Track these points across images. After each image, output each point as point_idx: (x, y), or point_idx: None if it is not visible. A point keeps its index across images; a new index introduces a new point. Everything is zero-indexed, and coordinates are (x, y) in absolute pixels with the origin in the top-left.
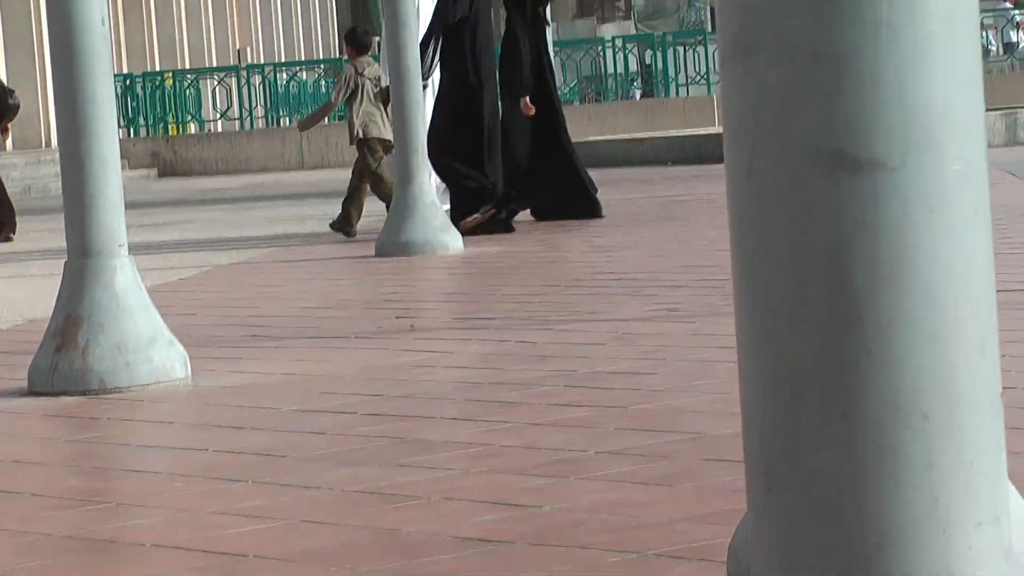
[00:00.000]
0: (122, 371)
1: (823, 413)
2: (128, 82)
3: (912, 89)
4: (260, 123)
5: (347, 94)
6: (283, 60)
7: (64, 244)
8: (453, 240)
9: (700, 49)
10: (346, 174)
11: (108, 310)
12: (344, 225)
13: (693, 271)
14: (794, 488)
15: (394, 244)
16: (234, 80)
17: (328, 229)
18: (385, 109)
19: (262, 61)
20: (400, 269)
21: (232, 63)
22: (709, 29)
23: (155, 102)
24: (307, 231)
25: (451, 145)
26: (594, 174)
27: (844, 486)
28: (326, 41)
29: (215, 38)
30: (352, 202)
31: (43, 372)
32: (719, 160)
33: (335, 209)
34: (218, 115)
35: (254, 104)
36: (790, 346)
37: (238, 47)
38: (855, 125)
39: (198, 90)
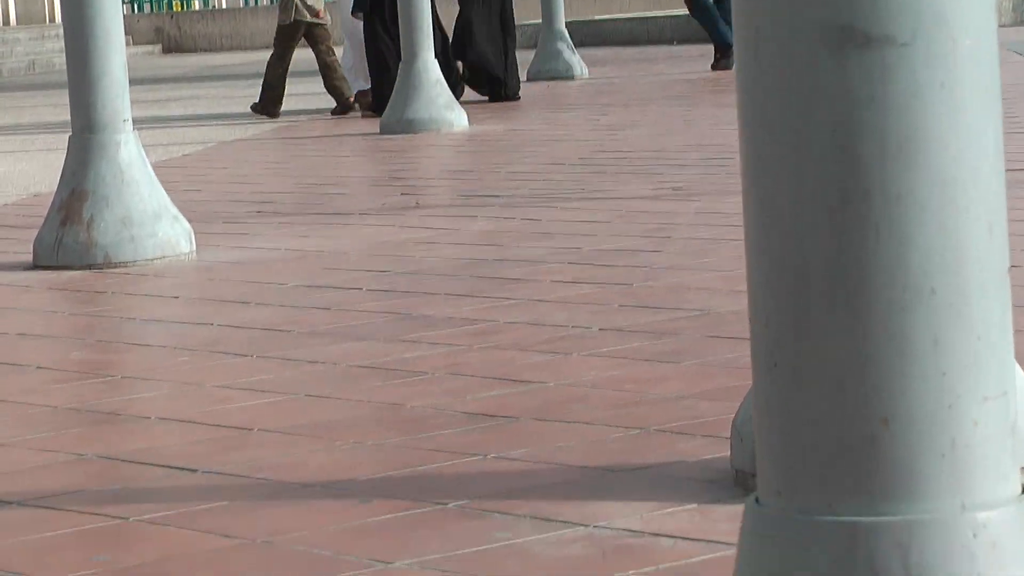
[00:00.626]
0: (127, 245)
1: (830, 290)
2: None
3: None
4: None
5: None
6: None
7: (68, 119)
8: (458, 117)
9: None
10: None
11: (113, 185)
12: (273, 109)
13: (698, 150)
14: (799, 365)
15: (399, 121)
16: None
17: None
18: None
19: None
20: (405, 146)
21: None
22: None
23: None
24: (311, 108)
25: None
26: (600, 52)
27: (850, 363)
28: None
29: None
30: (334, 79)
31: (48, 246)
32: None
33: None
34: None
35: None
36: (797, 224)
37: None
38: (864, 0)
39: None
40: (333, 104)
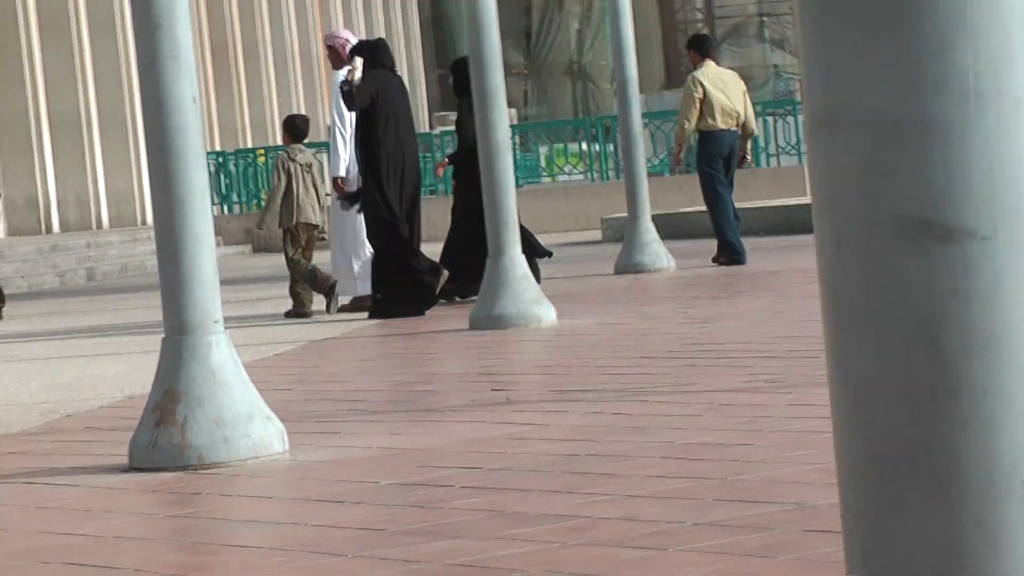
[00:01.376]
0: (220, 446)
1: (919, 485)
2: (221, 159)
3: (1002, 157)
4: None
5: (284, 177)
6: None
7: (161, 321)
8: (546, 312)
9: (790, 119)
10: (436, 247)
11: (205, 385)
12: (299, 310)
13: (788, 341)
14: (892, 562)
15: (487, 317)
16: (325, 156)
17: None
18: (318, 193)
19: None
20: (494, 342)
21: (323, 139)
22: (799, 99)
23: (248, 179)
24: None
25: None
26: (686, 245)
27: (942, 560)
28: (416, 117)
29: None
30: (297, 284)
31: (143, 448)
32: (811, 230)
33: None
34: None
35: None
36: (884, 417)
37: (328, 123)
38: (944, 194)
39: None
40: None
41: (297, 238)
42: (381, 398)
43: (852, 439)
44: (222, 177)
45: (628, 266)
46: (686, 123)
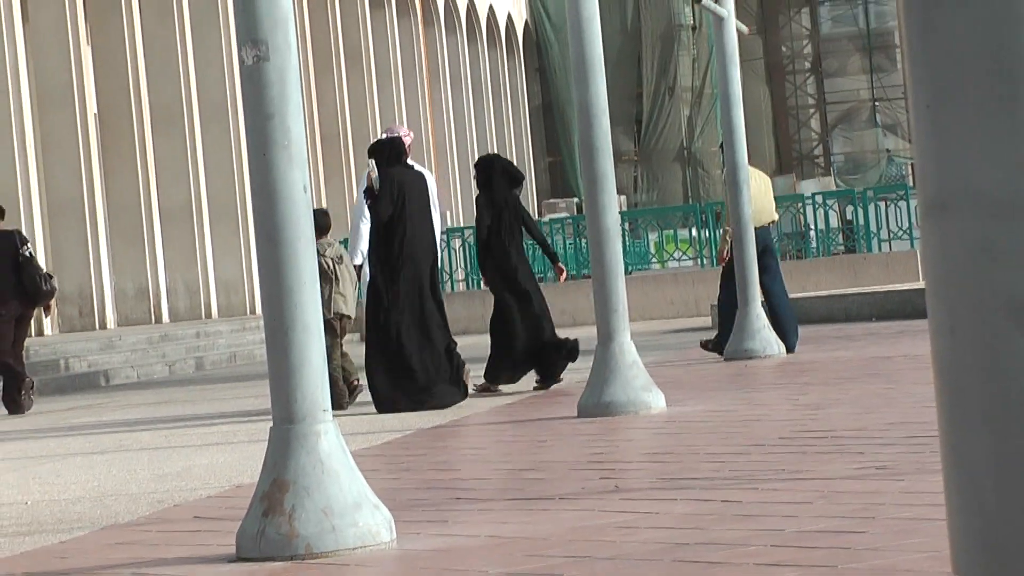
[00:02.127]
0: (328, 536)
1: None
2: None
3: None
4: (461, 286)
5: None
6: None
7: (269, 409)
8: (655, 399)
9: (902, 204)
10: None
11: (314, 475)
12: (340, 401)
13: (900, 428)
14: None
15: (596, 404)
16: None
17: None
18: (350, 283)
19: (462, 224)
20: (603, 429)
21: None
22: (910, 184)
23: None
24: (510, 390)
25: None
26: (799, 330)
27: None
28: (525, 204)
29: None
30: (337, 376)
31: (251, 537)
32: (924, 315)
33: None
34: None
35: (454, 267)
36: (998, 505)
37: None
38: None
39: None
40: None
41: (332, 329)
42: (489, 486)
43: (966, 527)
44: None
45: (738, 352)
46: (728, 228)
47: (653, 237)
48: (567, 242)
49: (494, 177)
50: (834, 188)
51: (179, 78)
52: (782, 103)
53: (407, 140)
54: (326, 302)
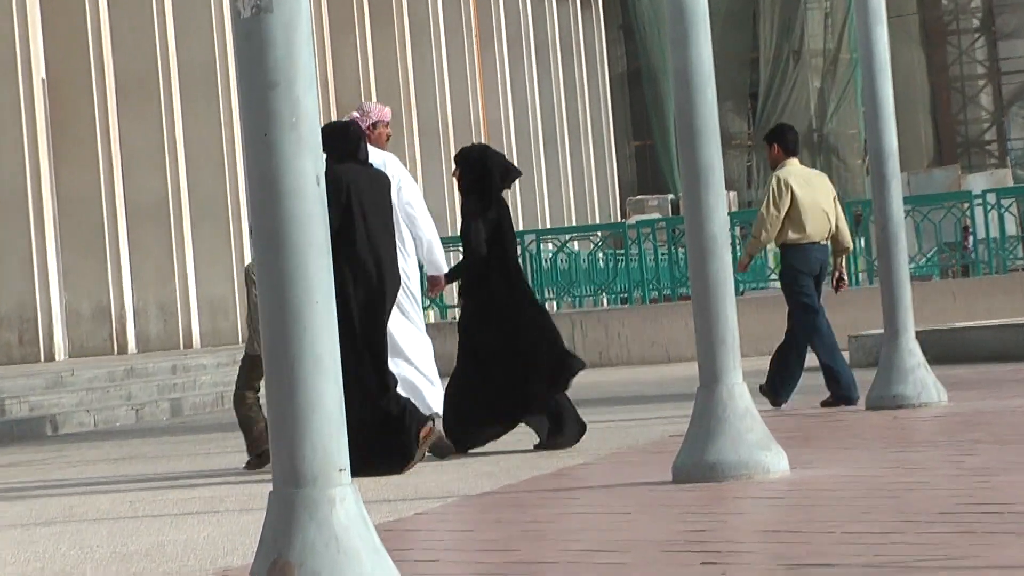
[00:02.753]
0: None
1: None
2: None
3: None
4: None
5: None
6: (547, 227)
7: (268, 469)
8: (775, 460)
9: None
10: (630, 373)
11: (326, 555)
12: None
13: None
14: None
15: (698, 465)
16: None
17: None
18: None
19: (520, 228)
20: (706, 499)
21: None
22: None
23: None
24: (580, 448)
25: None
26: (962, 371)
27: None
28: (603, 201)
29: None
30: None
31: None
32: None
33: (621, 418)
34: None
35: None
36: None
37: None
38: None
39: None
40: None
41: (255, 369)
42: (554, 571)
43: None
44: None
45: (885, 399)
46: (763, 234)
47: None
48: (659, 253)
49: (491, 174)
50: (1011, 184)
51: (153, 38)
52: (942, 73)
53: (372, 120)
54: (253, 335)
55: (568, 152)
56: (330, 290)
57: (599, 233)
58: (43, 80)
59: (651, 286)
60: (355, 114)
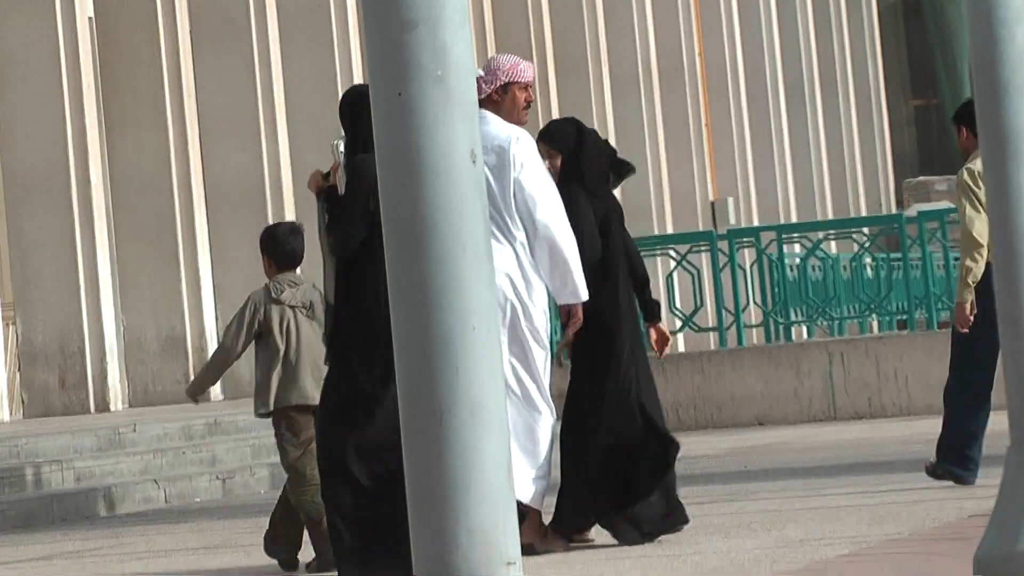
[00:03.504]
0: None
1: None
2: None
3: None
4: (755, 335)
5: (250, 335)
6: (791, 221)
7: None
8: None
9: None
10: (910, 427)
11: None
12: (269, 546)
13: None
14: None
15: (1010, 559)
16: (704, 258)
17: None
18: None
19: (755, 223)
20: None
21: (700, 227)
22: None
23: None
24: (844, 535)
25: None
26: None
27: None
28: (870, 184)
29: (675, 185)
30: (280, 515)
31: None
32: None
33: (899, 490)
34: (679, 322)
35: (742, 301)
36: None
37: (712, 198)
38: None
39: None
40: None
41: (295, 428)
42: None
43: None
44: None
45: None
46: (978, 258)
47: None
48: (950, 257)
49: (584, 150)
50: None
51: None
52: None
53: (503, 81)
54: (266, 384)
55: (820, 115)
56: (492, 310)
57: (865, 230)
58: (90, 18)
59: (940, 304)
60: (480, 72)
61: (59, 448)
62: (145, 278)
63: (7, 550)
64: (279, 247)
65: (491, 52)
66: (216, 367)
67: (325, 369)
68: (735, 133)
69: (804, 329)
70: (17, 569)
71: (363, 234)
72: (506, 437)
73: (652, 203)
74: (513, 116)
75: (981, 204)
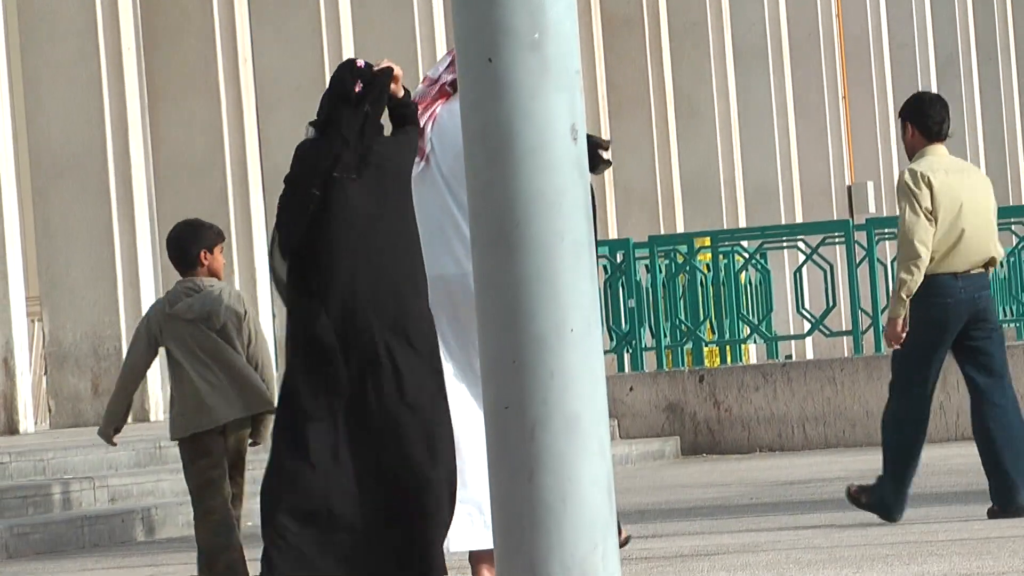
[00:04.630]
0: None
1: None
2: (622, 256)
3: None
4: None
5: (147, 353)
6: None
7: None
8: None
9: None
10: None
11: None
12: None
13: None
14: None
15: None
16: (839, 251)
17: None
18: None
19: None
20: None
21: (835, 215)
22: None
23: (674, 294)
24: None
25: None
26: None
27: None
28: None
29: (806, 167)
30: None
31: None
32: None
33: None
34: (807, 325)
35: (881, 301)
36: None
37: (849, 182)
38: None
39: (766, 272)
40: None
41: (210, 455)
42: None
43: None
44: (620, 291)
45: None
46: (914, 270)
47: None
48: None
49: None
50: None
51: None
52: None
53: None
54: (184, 407)
55: (977, 91)
56: (593, 309)
57: None
58: None
59: None
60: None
61: (91, 463)
62: None
63: None
64: (187, 251)
65: (595, 17)
66: (119, 398)
67: (252, 378)
68: (877, 110)
69: (1016, 330)
70: None
71: (303, 225)
72: (606, 454)
73: (780, 188)
74: None
75: (923, 209)
